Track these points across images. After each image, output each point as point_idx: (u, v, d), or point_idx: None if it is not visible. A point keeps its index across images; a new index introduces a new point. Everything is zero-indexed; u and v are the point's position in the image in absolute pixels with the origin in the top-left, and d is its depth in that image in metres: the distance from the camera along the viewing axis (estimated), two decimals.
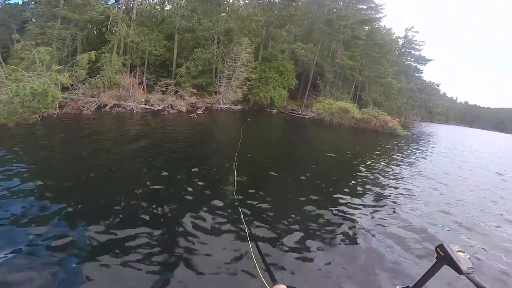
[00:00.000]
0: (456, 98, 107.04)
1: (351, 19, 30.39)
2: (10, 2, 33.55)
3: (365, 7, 36.38)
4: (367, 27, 35.28)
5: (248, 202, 5.36)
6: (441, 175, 10.60)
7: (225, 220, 4.50)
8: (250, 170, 7.50)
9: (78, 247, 3.51)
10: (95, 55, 19.20)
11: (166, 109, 17.86)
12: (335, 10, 30.51)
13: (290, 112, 27.45)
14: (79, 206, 4.56)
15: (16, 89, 9.33)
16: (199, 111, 18.51)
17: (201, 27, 23.62)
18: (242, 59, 21.72)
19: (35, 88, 9.54)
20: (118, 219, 4.27)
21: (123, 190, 5.37)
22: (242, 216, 2.54)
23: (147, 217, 4.40)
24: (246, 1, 33.96)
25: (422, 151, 16.76)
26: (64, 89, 16.27)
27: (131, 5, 26.28)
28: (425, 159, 13.95)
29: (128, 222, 4.22)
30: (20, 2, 31.59)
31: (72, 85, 17.22)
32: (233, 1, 28.55)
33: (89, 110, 15.28)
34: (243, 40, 22.28)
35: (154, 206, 4.75)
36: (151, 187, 5.63)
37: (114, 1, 25.56)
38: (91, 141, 9.08)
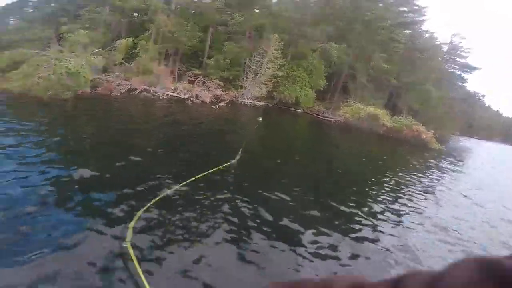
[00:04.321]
0: (503, 112, 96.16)
1: (390, 21, 28.68)
2: None
3: (406, 9, 33.79)
4: (407, 31, 33.03)
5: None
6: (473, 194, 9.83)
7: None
8: (252, 167, 7.63)
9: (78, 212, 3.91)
10: (134, 42, 20.64)
11: (191, 98, 18.51)
12: (373, 12, 28.94)
13: (316, 114, 26.81)
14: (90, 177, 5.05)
15: (54, 68, 10.37)
16: (222, 104, 18.91)
17: (233, 21, 23.91)
18: (269, 55, 21.69)
19: (69, 67, 10.51)
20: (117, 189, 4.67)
21: (127, 165, 5.86)
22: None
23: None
24: None
25: (455, 169, 15.55)
26: (104, 71, 17.62)
27: None
28: (459, 177, 13.03)
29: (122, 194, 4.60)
30: None
31: (108, 68, 18.60)
32: None
33: (119, 92, 16.35)
34: (272, 36, 22.19)
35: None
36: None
37: None
38: (111, 117, 9.85)
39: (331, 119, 25.25)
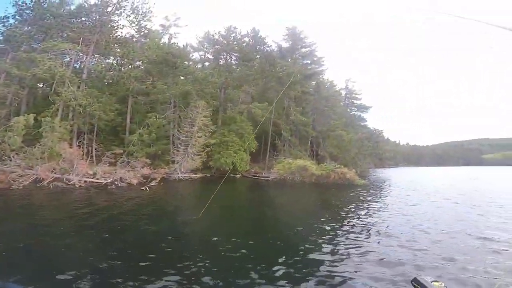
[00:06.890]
0: (399, 141, 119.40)
1: (299, 75, 31.48)
2: None
3: (309, 61, 38.59)
4: (313, 82, 37.46)
5: None
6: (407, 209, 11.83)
7: None
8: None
9: None
10: (37, 119, 17.09)
11: (115, 182, 16.27)
12: (284, 68, 31.54)
13: (254, 176, 26.91)
14: None
15: None
16: (153, 183, 17.07)
17: (155, 90, 22.82)
18: (198, 123, 21.16)
19: None
20: None
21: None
22: None
23: None
24: (205, 63, 35.20)
25: (382, 195, 18.25)
26: None
27: (83, 64, 24.13)
28: (387, 200, 15.53)
29: None
30: None
31: (3, 155, 15.20)
32: (189, 64, 28.02)
33: (20, 185, 13.41)
34: (199, 103, 21.70)
35: None
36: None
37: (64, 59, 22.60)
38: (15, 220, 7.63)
39: (268, 178, 25.71)
